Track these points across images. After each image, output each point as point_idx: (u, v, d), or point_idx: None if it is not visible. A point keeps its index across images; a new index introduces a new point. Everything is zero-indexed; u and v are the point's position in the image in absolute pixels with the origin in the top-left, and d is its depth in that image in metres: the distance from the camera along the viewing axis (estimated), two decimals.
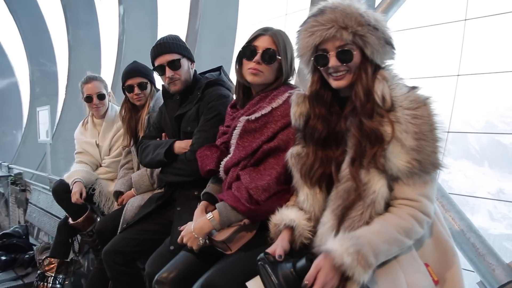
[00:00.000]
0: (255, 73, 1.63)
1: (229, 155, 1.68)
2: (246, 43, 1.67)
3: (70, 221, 2.68)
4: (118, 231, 2.22)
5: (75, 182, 2.56)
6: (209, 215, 1.60)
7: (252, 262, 1.33)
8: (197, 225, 1.60)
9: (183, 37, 6.31)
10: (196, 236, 1.59)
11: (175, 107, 2.14)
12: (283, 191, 1.57)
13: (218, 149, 1.77)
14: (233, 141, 1.67)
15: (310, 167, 1.41)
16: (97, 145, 2.75)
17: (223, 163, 1.70)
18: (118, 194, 2.53)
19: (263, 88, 1.69)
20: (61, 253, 2.74)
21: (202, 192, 1.80)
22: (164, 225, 2.12)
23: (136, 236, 2.12)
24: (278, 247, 1.33)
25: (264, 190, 1.54)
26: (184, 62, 2.06)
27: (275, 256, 1.28)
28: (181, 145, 2.02)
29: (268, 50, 1.63)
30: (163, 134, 2.22)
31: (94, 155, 2.77)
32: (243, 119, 1.65)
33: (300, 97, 1.48)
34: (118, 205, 2.49)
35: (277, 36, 1.65)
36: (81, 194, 2.52)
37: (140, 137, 2.43)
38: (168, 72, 2.04)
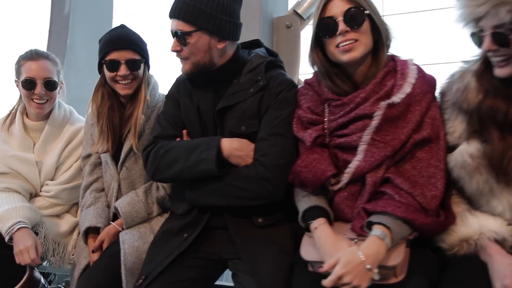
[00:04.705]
0: (348, 49, 1.25)
1: (359, 157, 1.23)
2: (318, 20, 1.28)
3: None
4: None
5: (19, 228, 1.56)
6: (379, 232, 1.13)
7: None
8: (370, 252, 1.11)
9: (45, 22, 4.99)
10: (369, 267, 1.09)
11: (208, 95, 1.49)
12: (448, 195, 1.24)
13: (323, 147, 1.30)
14: (366, 137, 1.22)
15: (501, 156, 1.12)
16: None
17: (351, 169, 1.24)
18: (88, 232, 1.66)
19: (361, 61, 1.29)
20: None
21: (308, 206, 1.28)
22: (205, 268, 1.48)
23: None
24: None
25: (433, 197, 1.17)
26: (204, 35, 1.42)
27: None
28: (233, 145, 1.39)
29: (349, 10, 1.25)
30: (184, 132, 1.52)
31: (31, 178, 1.76)
32: (383, 104, 1.21)
33: (462, 73, 1.21)
34: (93, 250, 1.62)
35: None
36: (36, 249, 1.54)
37: (131, 141, 1.64)
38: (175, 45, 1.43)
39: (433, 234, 1.20)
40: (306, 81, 1.41)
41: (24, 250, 1.52)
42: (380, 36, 1.28)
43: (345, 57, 1.26)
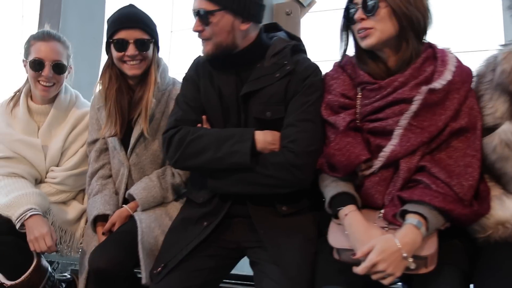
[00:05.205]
0: (364, 36, 1.25)
1: (394, 141, 1.21)
2: (345, 5, 1.29)
3: (6, 282, 1.57)
4: (148, 277, 1.40)
5: (31, 215, 1.50)
6: (415, 221, 1.11)
7: None
8: (407, 240, 1.09)
9: (36, 5, 4.83)
10: (405, 256, 1.08)
11: (230, 79, 1.44)
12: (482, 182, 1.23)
13: (356, 132, 1.27)
14: (403, 122, 1.20)
15: None
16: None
17: (385, 152, 1.21)
18: (96, 220, 1.61)
19: (383, 47, 1.27)
20: None
21: (337, 192, 1.25)
22: (223, 257, 1.46)
23: (190, 283, 1.37)
24: None
25: (470, 187, 1.16)
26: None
27: None
28: (267, 139, 1.36)
29: None
30: (204, 117, 1.47)
31: (37, 164, 1.69)
32: (424, 89, 1.19)
33: (507, 54, 1.19)
34: (103, 233, 1.56)
35: None
36: (51, 236, 1.50)
37: (142, 126, 1.59)
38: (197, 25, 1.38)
39: (467, 224, 1.19)
40: (338, 64, 1.38)
41: (39, 237, 1.47)
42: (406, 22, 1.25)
43: (362, 44, 1.26)
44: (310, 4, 3.67)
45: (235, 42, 1.39)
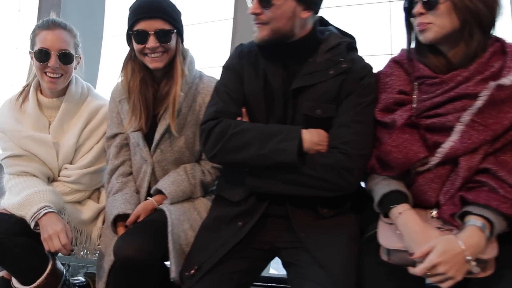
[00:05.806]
0: (422, 29, 1.20)
1: (453, 138, 1.15)
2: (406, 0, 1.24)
3: (21, 287, 1.47)
4: (177, 273, 1.32)
5: (45, 213, 1.40)
6: (480, 224, 1.06)
7: None
8: (472, 242, 1.04)
9: None
10: (469, 258, 1.02)
11: (278, 71, 1.36)
12: None
13: (412, 128, 1.21)
14: (465, 118, 1.14)
15: None
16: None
17: (444, 149, 1.15)
18: (116, 220, 1.50)
19: (444, 40, 1.20)
20: None
21: (390, 190, 1.19)
22: (255, 258, 1.38)
23: (223, 286, 1.30)
24: None
25: None
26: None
27: None
28: (313, 139, 1.29)
29: None
30: (243, 110, 1.39)
31: (48, 161, 1.59)
32: (492, 85, 1.12)
33: None
34: (126, 225, 1.46)
35: None
36: (66, 234, 1.40)
37: (169, 122, 1.49)
38: (255, 7, 1.28)
39: None
40: (394, 59, 1.32)
41: (53, 235, 1.37)
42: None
43: (421, 38, 1.21)
44: None
45: (293, 30, 1.31)
